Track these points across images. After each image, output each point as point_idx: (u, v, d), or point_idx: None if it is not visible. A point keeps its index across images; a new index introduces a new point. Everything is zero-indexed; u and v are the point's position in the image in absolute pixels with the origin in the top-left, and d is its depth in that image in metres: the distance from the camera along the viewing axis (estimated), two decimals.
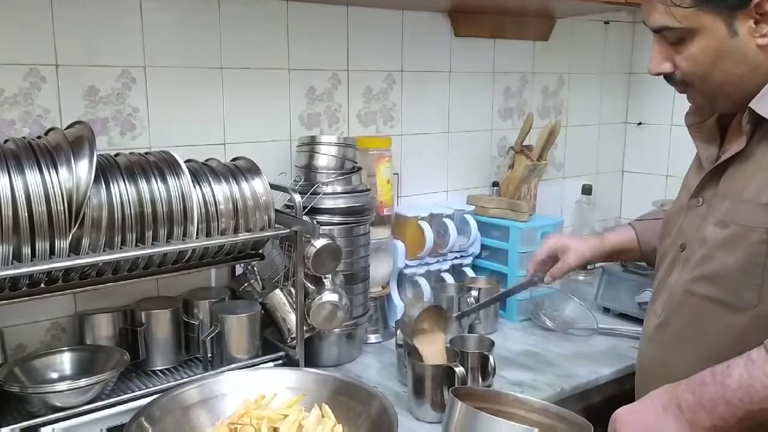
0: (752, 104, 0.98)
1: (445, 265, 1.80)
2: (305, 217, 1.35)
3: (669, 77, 1.05)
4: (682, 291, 1.08)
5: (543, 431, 1.07)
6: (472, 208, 1.87)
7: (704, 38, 0.98)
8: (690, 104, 1.12)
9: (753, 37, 0.96)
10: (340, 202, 1.47)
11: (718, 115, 1.10)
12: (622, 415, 0.98)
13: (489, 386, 1.41)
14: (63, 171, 1.07)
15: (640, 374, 1.20)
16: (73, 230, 1.08)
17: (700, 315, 1.05)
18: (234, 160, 1.39)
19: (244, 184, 1.31)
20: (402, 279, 1.77)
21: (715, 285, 1.02)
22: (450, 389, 1.13)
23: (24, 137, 1.16)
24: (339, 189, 1.48)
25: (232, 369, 1.28)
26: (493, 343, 1.44)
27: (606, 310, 1.87)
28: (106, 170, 1.15)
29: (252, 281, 1.45)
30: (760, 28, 0.95)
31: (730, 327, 1.00)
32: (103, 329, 1.33)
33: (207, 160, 1.36)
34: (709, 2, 0.96)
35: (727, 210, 1.01)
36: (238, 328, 1.34)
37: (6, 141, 1.12)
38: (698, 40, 0.98)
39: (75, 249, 1.10)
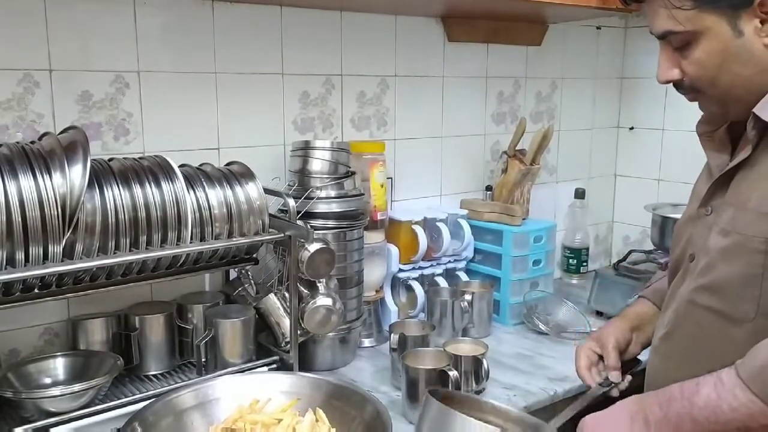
0: (756, 110, 0.95)
1: (439, 269, 1.81)
2: (299, 222, 1.35)
3: (678, 85, 1.03)
4: (686, 302, 1.06)
5: None
6: (465, 212, 1.88)
7: (709, 40, 0.96)
8: (702, 113, 1.10)
9: (759, 36, 0.94)
10: (334, 207, 1.48)
11: (729, 124, 1.07)
12: (590, 423, 0.97)
13: (482, 390, 1.41)
14: (57, 176, 1.07)
15: (646, 385, 1.18)
16: (67, 235, 1.07)
17: (702, 327, 1.03)
18: (228, 164, 1.39)
19: (238, 189, 1.31)
20: (396, 283, 1.77)
21: (716, 295, 1.00)
22: (428, 390, 1.12)
23: (17, 142, 1.15)
24: (333, 193, 1.49)
25: (226, 373, 1.28)
26: (486, 347, 1.44)
27: (599, 314, 1.88)
28: (100, 175, 1.15)
29: (246, 286, 1.45)
30: (767, 27, 0.93)
31: (730, 340, 0.97)
32: (96, 334, 1.33)
33: (201, 165, 1.37)
34: (710, 2, 0.94)
35: (730, 218, 0.99)
36: (232, 332, 1.34)
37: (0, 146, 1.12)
38: (703, 43, 0.96)
39: (68, 254, 1.09)
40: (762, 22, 0.94)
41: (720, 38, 0.95)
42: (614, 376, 1.22)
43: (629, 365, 1.27)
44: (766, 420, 0.82)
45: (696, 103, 1.07)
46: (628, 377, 1.25)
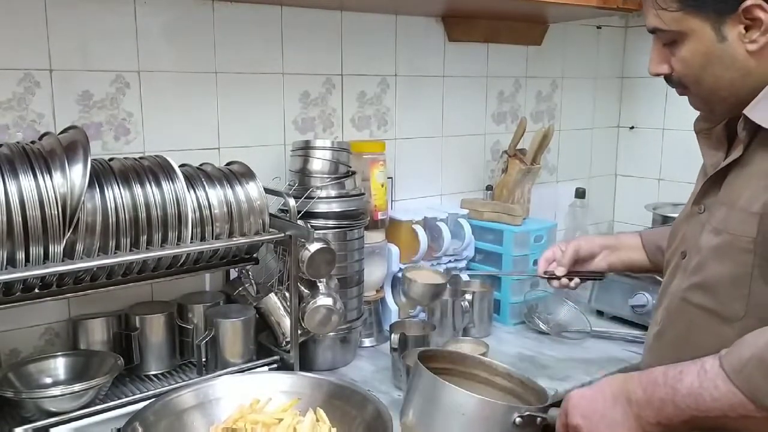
0: (746, 111, 0.97)
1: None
2: (299, 222, 1.35)
3: (668, 79, 1.05)
4: (678, 299, 1.07)
5: (503, 394, 1.15)
6: (466, 211, 1.88)
7: (693, 42, 0.98)
8: (698, 110, 1.12)
9: (743, 42, 0.96)
10: (335, 207, 1.48)
11: (727, 122, 1.08)
12: (574, 397, 0.98)
13: None
14: (57, 176, 1.07)
15: None
16: (67, 235, 1.07)
17: (695, 324, 1.04)
18: (228, 164, 1.39)
19: (238, 189, 1.31)
20: (396, 283, 1.77)
21: (707, 294, 1.02)
22: (418, 353, 1.14)
23: (18, 142, 1.16)
24: (333, 193, 1.48)
25: (227, 373, 1.28)
26: (487, 347, 1.44)
27: (599, 313, 1.88)
28: (101, 175, 1.15)
29: (246, 285, 1.45)
30: (750, 34, 0.95)
31: (721, 338, 0.97)
32: (97, 334, 1.33)
33: (201, 165, 1.37)
34: (694, 7, 0.96)
35: (722, 217, 1.01)
36: (232, 332, 1.34)
37: (0, 146, 1.12)
38: (688, 44, 0.99)
39: (69, 254, 1.09)
40: (746, 29, 0.95)
41: (703, 41, 0.97)
42: (559, 270, 1.40)
43: (590, 275, 1.43)
44: (746, 411, 0.84)
45: None
46: (577, 279, 1.41)
